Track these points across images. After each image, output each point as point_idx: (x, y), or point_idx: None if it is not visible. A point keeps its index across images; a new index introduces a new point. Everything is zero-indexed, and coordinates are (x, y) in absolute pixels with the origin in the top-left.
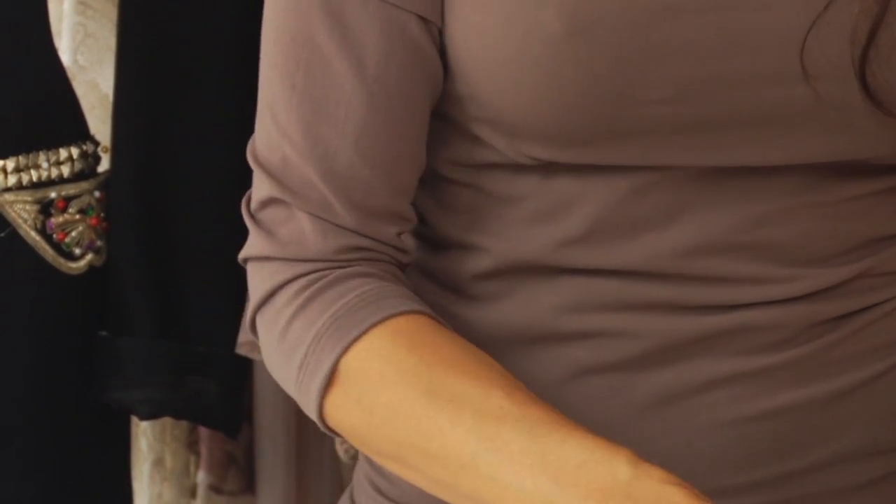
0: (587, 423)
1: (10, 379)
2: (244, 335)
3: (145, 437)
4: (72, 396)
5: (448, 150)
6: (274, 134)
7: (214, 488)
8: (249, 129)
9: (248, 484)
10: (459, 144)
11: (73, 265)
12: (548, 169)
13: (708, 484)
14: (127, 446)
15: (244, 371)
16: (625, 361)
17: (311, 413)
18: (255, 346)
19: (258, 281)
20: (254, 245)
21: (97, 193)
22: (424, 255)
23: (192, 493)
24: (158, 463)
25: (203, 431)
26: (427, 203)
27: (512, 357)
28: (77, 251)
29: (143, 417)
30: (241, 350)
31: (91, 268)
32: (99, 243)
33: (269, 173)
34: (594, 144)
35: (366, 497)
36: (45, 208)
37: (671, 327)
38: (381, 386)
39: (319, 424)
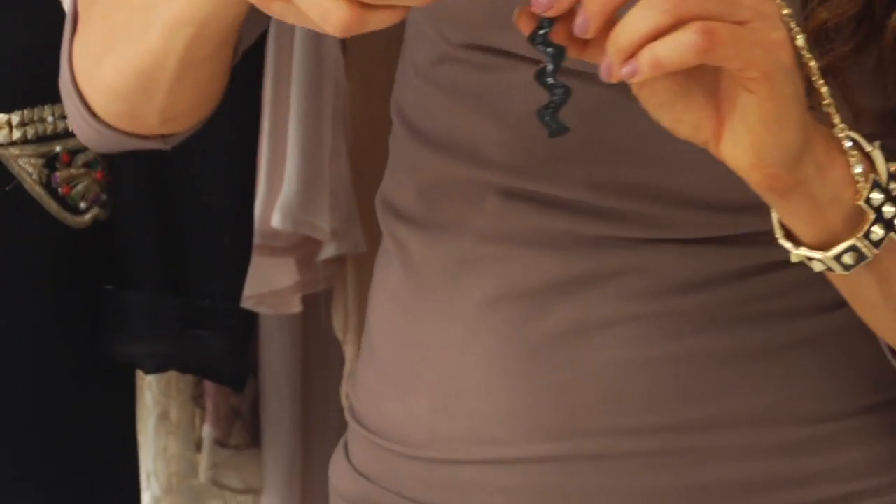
0: (499, 349)
1: (16, 333)
2: (250, 289)
3: (150, 390)
4: (77, 350)
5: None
6: None
7: (220, 442)
8: (257, 83)
9: (254, 438)
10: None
11: (78, 219)
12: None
13: (605, 422)
14: (132, 400)
15: (249, 325)
16: (535, 290)
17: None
18: (260, 300)
19: None
20: None
21: None
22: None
23: (198, 446)
24: (164, 417)
25: (208, 385)
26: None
27: (438, 282)
28: (82, 205)
29: (148, 371)
30: (247, 304)
31: (96, 222)
32: (104, 197)
33: None
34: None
35: (351, 428)
36: (50, 162)
37: (581, 258)
38: None
39: (69, 79)
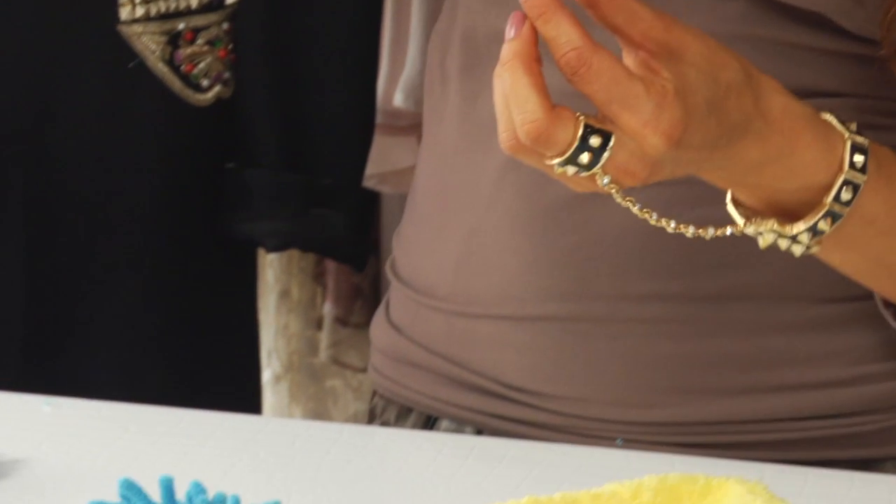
0: (518, 208)
1: (139, 212)
2: (371, 168)
3: (272, 268)
4: (199, 229)
5: None
6: None
7: (340, 320)
8: None
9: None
10: None
11: (201, 97)
12: None
13: (614, 287)
14: (254, 278)
15: (371, 204)
16: None
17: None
18: (382, 179)
19: None
20: None
21: (225, 25)
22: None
23: (318, 324)
24: (285, 295)
25: (330, 264)
26: None
27: (474, 138)
28: (204, 83)
29: (269, 249)
30: (368, 183)
31: (218, 100)
32: (226, 75)
33: None
34: None
35: (391, 282)
36: (174, 39)
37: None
38: None
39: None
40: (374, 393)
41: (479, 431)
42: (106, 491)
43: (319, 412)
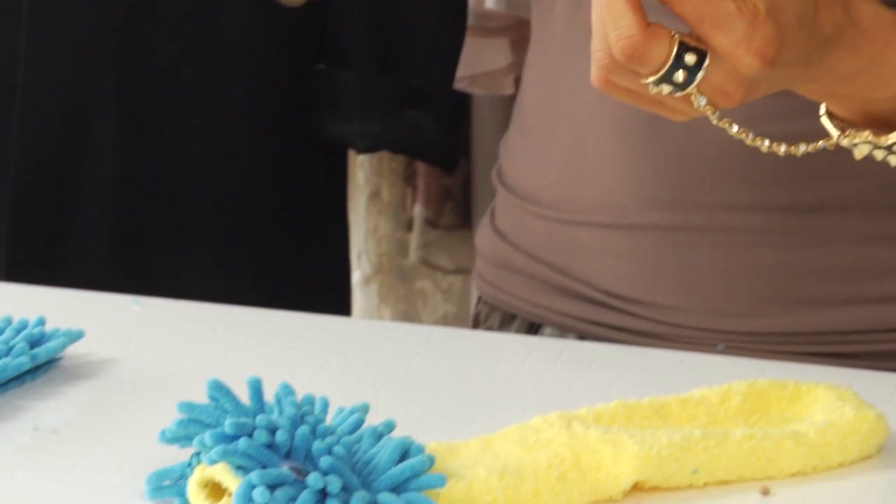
0: (622, 116)
1: (231, 113)
2: (462, 70)
3: (362, 170)
4: (290, 130)
5: None
6: None
7: (430, 222)
8: None
9: (464, 219)
10: None
11: None
12: None
13: (715, 197)
14: (344, 179)
15: (462, 106)
16: None
17: None
18: (473, 81)
19: None
20: None
21: None
22: None
23: (408, 226)
24: (375, 196)
25: (420, 165)
26: None
27: (581, 45)
28: None
29: (360, 151)
30: (459, 85)
31: (310, 1)
32: None
33: None
34: None
35: (499, 202)
36: None
37: None
38: None
39: None
40: (479, 299)
41: (581, 338)
42: (194, 392)
43: (409, 314)
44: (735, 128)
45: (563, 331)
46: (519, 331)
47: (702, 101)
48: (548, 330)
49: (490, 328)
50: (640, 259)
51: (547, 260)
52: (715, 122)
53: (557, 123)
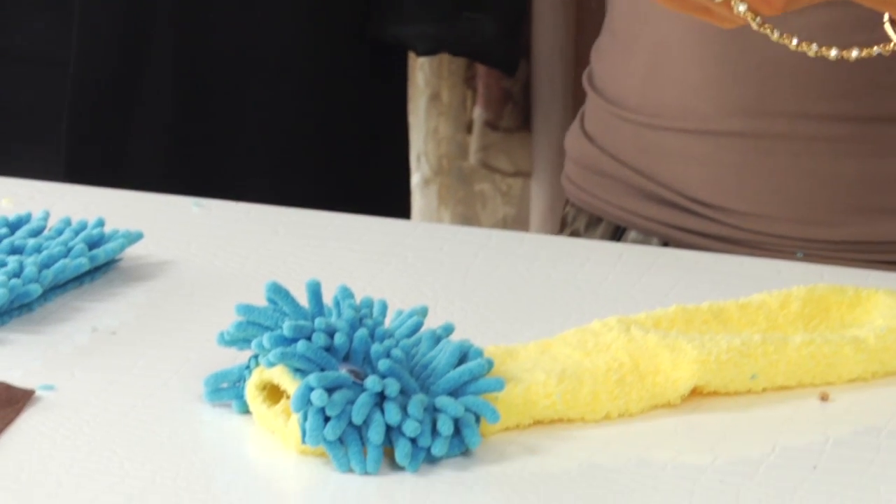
0: (701, 26)
1: (290, 13)
2: None
3: (422, 72)
4: (350, 32)
5: None
6: None
7: (490, 124)
8: None
9: (525, 120)
10: None
11: None
12: None
13: (796, 106)
14: (404, 82)
15: (522, 7)
16: None
17: None
18: None
19: None
20: None
21: None
22: None
23: (468, 128)
24: (435, 98)
25: (480, 68)
26: None
27: None
28: None
29: (419, 53)
30: None
31: None
32: None
33: None
34: None
35: (588, 105)
36: None
37: None
38: None
39: None
40: (567, 202)
41: (665, 243)
42: (253, 294)
43: (468, 216)
44: (776, 33)
45: (647, 235)
46: (604, 234)
47: (741, 7)
48: (633, 234)
49: (576, 231)
50: (722, 166)
51: (633, 164)
52: (755, 27)
53: (642, 28)
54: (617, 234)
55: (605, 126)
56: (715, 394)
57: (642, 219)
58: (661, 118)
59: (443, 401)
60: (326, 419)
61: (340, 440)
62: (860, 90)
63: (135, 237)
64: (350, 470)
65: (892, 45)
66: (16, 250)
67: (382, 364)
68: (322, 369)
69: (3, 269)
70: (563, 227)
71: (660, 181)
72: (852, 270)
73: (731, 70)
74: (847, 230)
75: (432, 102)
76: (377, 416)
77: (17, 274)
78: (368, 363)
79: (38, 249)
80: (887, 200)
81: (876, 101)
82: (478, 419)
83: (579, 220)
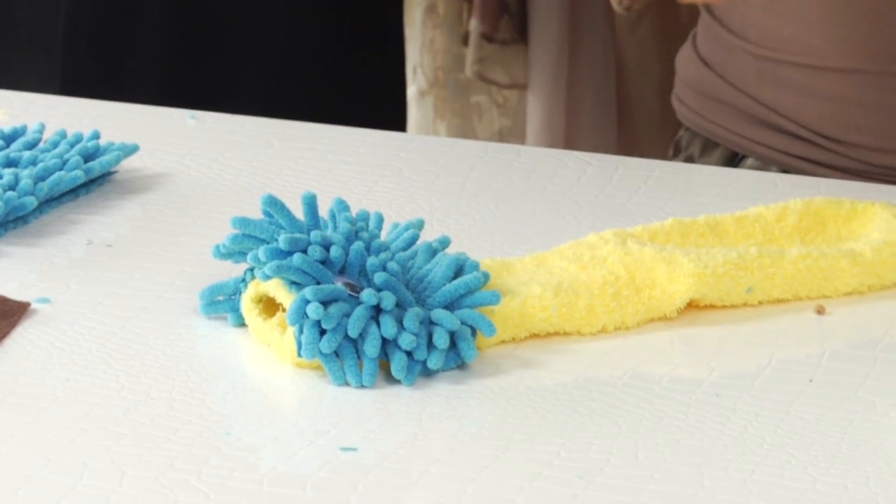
0: None
1: None
2: None
3: None
4: None
5: None
6: None
7: (486, 36)
8: None
9: (521, 33)
10: None
11: None
12: None
13: None
14: None
15: None
16: None
17: None
18: None
19: None
20: None
21: None
22: None
23: (464, 40)
24: (431, 9)
25: None
26: None
27: None
28: None
29: None
30: None
31: None
32: None
33: None
34: None
35: (701, 18)
36: None
37: None
38: None
39: None
40: (680, 126)
41: (784, 171)
42: (248, 206)
43: (464, 128)
44: None
45: (765, 163)
46: (720, 161)
47: None
48: (749, 161)
49: (691, 156)
50: (843, 101)
51: (754, 94)
52: None
53: None
54: (734, 160)
55: (723, 54)
56: (711, 307)
57: (761, 146)
58: (782, 52)
59: (439, 314)
60: (322, 332)
61: (336, 353)
62: None
63: (130, 150)
64: (346, 383)
65: None
66: (11, 163)
67: (378, 277)
68: (318, 282)
69: None
70: (677, 152)
71: (781, 112)
72: (849, 183)
73: (845, 8)
74: None
75: (428, 14)
76: (373, 329)
77: (12, 187)
78: (364, 276)
79: (33, 162)
80: None
81: None
82: (474, 332)
83: (694, 144)
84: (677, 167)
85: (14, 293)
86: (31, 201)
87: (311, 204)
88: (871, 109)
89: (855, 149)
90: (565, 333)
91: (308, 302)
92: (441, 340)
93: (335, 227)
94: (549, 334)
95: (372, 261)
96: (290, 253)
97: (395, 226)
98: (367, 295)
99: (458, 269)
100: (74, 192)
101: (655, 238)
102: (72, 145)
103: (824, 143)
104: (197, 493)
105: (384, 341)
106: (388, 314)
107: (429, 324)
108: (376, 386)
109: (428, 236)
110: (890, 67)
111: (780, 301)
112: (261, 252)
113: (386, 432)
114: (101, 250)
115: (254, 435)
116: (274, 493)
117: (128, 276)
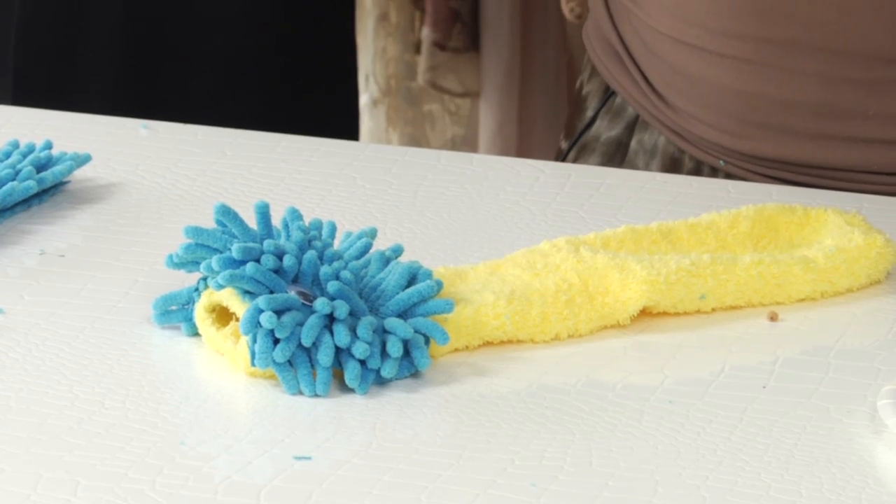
0: None
1: None
2: None
3: None
4: None
5: None
6: None
7: (438, 44)
8: None
9: (473, 41)
10: None
11: None
12: None
13: (709, 21)
14: (352, 2)
15: None
16: None
17: None
18: None
19: None
20: None
21: None
22: None
23: (417, 48)
24: (383, 18)
25: None
26: None
27: None
28: None
29: None
30: None
31: None
32: None
33: None
34: None
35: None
36: None
37: None
38: None
39: None
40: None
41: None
42: (201, 216)
43: (416, 136)
44: None
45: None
46: (600, 89)
47: None
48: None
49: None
50: (677, 69)
51: (625, 42)
52: None
53: None
54: (607, 91)
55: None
56: (664, 314)
57: (622, 89)
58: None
59: (392, 322)
60: (276, 341)
61: (290, 362)
62: (754, 12)
63: (83, 159)
64: (299, 392)
65: None
66: None
67: (331, 286)
68: (271, 291)
69: None
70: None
71: (638, 66)
72: (801, 190)
73: None
74: (751, 144)
75: (380, 23)
76: (326, 338)
77: None
78: (317, 285)
79: None
80: (782, 121)
81: (762, 26)
82: (427, 341)
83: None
84: (630, 175)
85: None
86: None
87: (264, 213)
88: (683, 74)
89: (682, 114)
90: (519, 341)
91: (261, 311)
92: (395, 349)
93: (288, 237)
94: (502, 342)
95: (325, 270)
96: (243, 262)
97: (349, 234)
98: (321, 304)
99: (412, 278)
100: (27, 202)
101: (608, 245)
102: (24, 155)
103: (658, 102)
104: (151, 502)
105: (338, 350)
106: (341, 323)
107: (382, 332)
108: (330, 395)
109: (381, 245)
110: (689, 39)
111: (733, 308)
112: (214, 261)
113: (340, 441)
114: (53, 260)
115: (208, 444)
116: (228, 502)
117: (81, 286)
